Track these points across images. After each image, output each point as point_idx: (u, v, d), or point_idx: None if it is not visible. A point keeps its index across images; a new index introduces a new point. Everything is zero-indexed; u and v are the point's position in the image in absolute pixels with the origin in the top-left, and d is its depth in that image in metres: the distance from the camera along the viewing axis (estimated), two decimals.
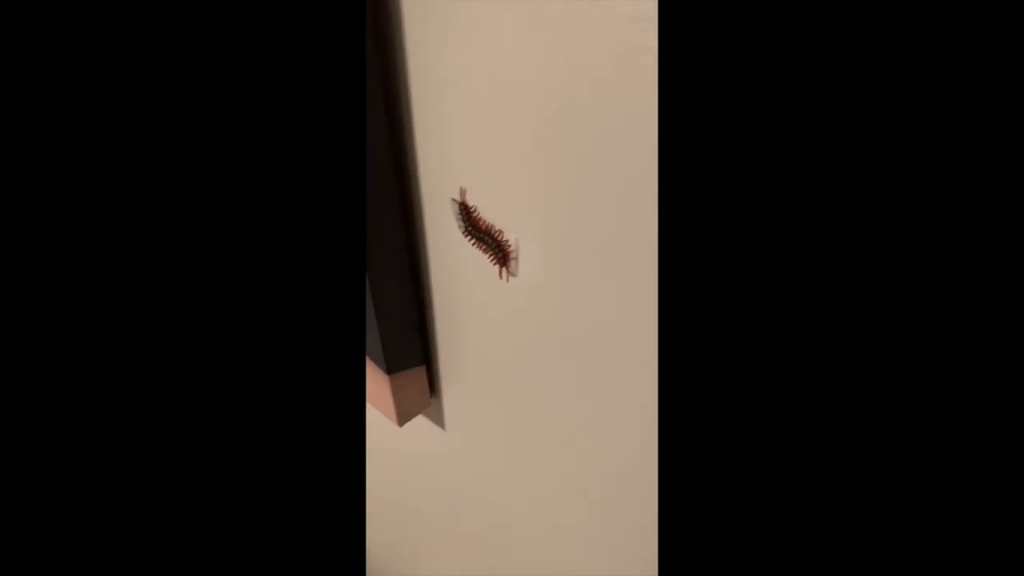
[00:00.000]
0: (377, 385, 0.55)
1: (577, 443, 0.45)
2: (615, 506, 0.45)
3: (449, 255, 0.47)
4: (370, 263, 0.46)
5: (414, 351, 0.54)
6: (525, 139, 0.36)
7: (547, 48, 0.32)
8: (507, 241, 0.40)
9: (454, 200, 0.43)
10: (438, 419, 0.61)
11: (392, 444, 0.75)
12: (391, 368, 0.52)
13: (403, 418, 0.56)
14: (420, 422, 0.65)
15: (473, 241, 0.42)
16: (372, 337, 0.51)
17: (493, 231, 0.41)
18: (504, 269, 0.41)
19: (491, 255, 0.41)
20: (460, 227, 0.42)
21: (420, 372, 0.55)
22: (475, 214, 0.42)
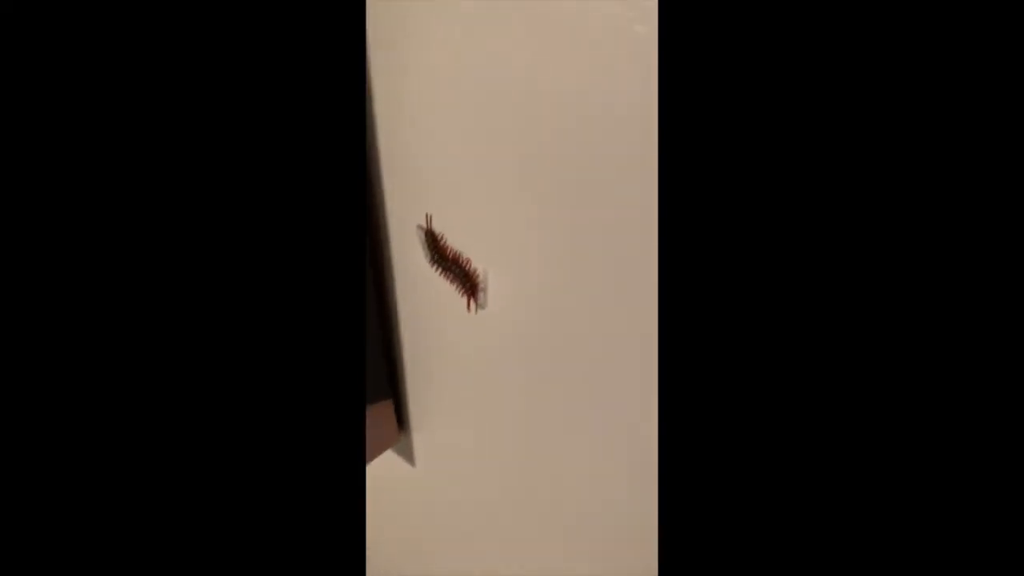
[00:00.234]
0: None
1: (551, 477, 0.43)
2: (593, 544, 0.43)
3: (417, 286, 0.45)
4: None
5: (381, 385, 0.52)
6: (495, 163, 0.35)
7: (515, 69, 0.31)
8: (475, 271, 0.39)
9: (420, 227, 0.41)
10: (407, 455, 0.59)
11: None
12: None
13: (371, 454, 0.54)
14: (389, 457, 0.63)
15: (440, 271, 0.40)
16: None
17: (461, 260, 0.39)
18: (472, 300, 0.40)
19: (458, 285, 0.40)
20: (426, 256, 0.41)
21: (387, 406, 0.53)
22: (442, 242, 0.40)
